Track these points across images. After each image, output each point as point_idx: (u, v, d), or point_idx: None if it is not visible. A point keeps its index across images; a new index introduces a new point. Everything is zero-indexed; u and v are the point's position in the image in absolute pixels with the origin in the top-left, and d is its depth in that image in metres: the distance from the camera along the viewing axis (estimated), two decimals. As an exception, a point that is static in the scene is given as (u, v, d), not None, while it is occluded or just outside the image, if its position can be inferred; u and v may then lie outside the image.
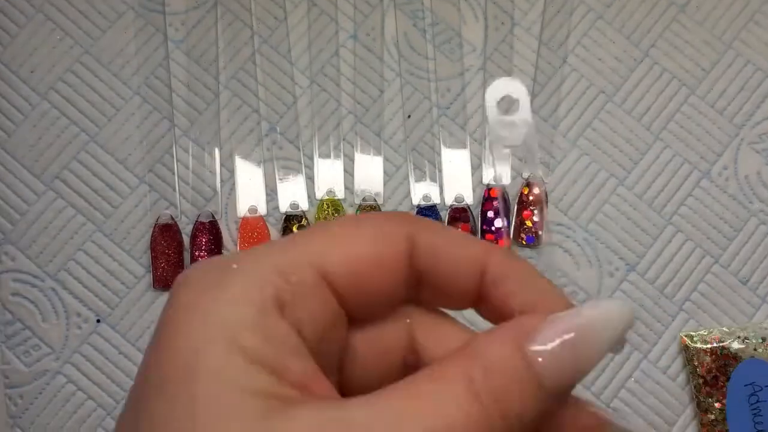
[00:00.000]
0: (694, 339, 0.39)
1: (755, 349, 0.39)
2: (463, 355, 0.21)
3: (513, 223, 0.40)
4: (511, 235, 0.40)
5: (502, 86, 0.25)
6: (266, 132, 0.41)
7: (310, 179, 0.40)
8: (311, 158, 0.41)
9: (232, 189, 0.40)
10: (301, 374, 0.19)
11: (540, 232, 0.40)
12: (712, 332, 0.40)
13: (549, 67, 0.42)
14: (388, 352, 0.23)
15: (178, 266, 0.39)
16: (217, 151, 0.40)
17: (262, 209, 0.40)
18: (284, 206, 0.40)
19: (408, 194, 0.41)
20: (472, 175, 0.41)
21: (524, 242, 0.40)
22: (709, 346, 0.39)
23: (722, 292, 0.40)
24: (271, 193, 0.40)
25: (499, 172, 0.41)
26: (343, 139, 0.41)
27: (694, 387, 0.39)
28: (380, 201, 0.40)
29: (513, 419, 0.21)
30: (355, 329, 0.22)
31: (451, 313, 0.23)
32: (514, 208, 0.40)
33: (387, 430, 0.20)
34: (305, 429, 0.18)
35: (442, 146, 0.41)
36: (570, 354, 0.21)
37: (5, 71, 0.41)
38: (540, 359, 0.21)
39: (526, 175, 0.41)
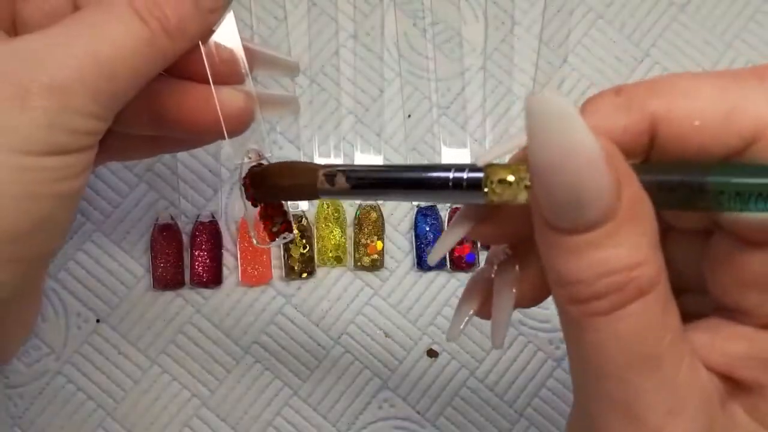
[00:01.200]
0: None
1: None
2: None
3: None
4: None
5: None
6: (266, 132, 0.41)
7: (310, 179, 0.40)
8: (311, 158, 0.41)
9: (232, 189, 0.40)
10: None
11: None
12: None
13: (549, 67, 0.42)
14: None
15: (178, 266, 0.39)
16: (217, 151, 0.40)
17: (262, 209, 0.40)
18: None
19: (408, 194, 0.41)
20: (472, 175, 0.41)
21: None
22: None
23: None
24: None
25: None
26: (343, 139, 0.41)
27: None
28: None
29: (175, 33, 0.25)
30: None
31: None
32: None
33: (53, 54, 0.23)
34: None
35: (442, 146, 0.41)
36: None
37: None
38: None
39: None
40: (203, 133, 0.28)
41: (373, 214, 0.40)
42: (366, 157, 0.41)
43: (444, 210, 0.40)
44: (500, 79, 0.42)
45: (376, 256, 0.39)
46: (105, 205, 0.40)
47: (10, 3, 0.26)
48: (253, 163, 0.29)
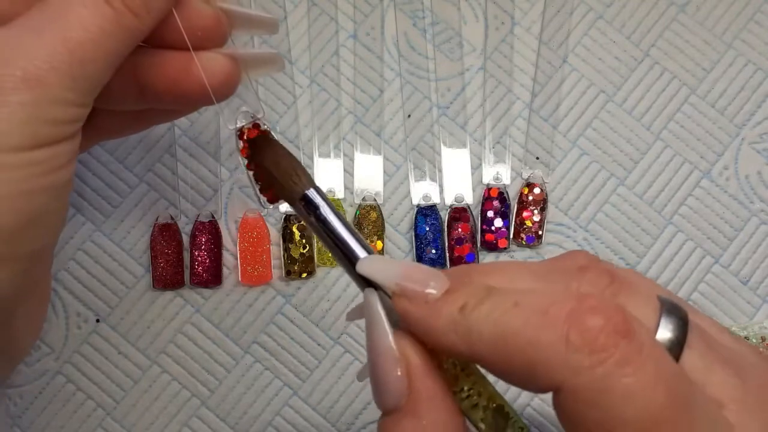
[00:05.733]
0: (695, 339, 0.39)
1: (755, 350, 0.39)
2: None
3: (513, 223, 0.40)
4: (511, 235, 0.40)
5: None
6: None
7: (310, 179, 0.40)
8: (311, 158, 0.41)
9: (232, 189, 0.40)
10: None
11: (540, 232, 0.40)
12: (712, 332, 0.39)
13: (549, 67, 0.42)
14: None
15: (178, 266, 0.39)
16: (217, 151, 0.40)
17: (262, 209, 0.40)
18: (284, 206, 0.40)
19: (408, 194, 0.41)
20: (472, 175, 0.41)
21: (524, 242, 0.40)
22: (709, 346, 0.39)
23: (722, 292, 0.40)
24: (271, 193, 0.40)
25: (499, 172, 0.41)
26: (343, 139, 0.41)
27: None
28: (380, 200, 0.40)
29: (140, 10, 0.25)
30: None
31: None
32: (514, 208, 0.40)
33: (23, 46, 0.23)
34: None
35: (442, 146, 0.41)
36: None
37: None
38: None
39: (526, 175, 0.41)
40: (189, 101, 0.28)
41: (373, 214, 0.40)
42: (366, 157, 0.41)
43: (444, 210, 0.40)
44: (500, 79, 0.42)
45: (376, 256, 0.39)
46: (105, 204, 0.40)
47: None
48: (249, 126, 0.29)
